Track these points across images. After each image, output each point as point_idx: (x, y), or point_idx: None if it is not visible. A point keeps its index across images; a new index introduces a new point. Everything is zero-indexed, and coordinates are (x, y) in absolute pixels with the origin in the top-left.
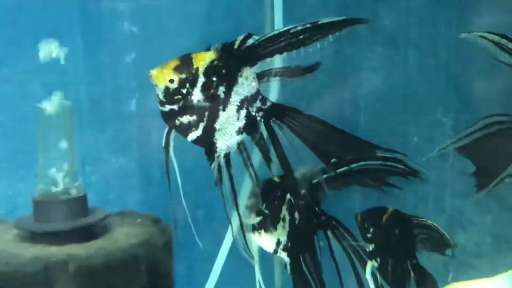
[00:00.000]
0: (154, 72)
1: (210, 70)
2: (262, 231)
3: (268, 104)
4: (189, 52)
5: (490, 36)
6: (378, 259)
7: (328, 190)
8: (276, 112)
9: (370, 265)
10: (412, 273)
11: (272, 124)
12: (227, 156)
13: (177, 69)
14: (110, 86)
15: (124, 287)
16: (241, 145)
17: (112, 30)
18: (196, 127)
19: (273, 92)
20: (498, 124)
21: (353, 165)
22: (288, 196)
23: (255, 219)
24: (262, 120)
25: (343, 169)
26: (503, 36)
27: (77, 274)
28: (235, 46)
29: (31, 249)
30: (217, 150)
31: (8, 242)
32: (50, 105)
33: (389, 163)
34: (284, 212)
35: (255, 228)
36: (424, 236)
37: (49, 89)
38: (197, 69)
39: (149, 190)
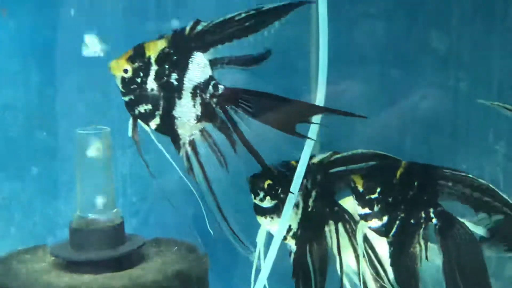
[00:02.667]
0: (111, 64)
1: (162, 58)
2: (275, 216)
3: (220, 89)
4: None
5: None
6: (384, 218)
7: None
8: (229, 97)
9: (362, 226)
10: (434, 220)
11: (228, 109)
12: (192, 143)
13: (130, 59)
14: None
15: None
16: (204, 132)
17: None
18: (153, 116)
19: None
20: None
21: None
22: (304, 182)
23: (270, 203)
24: (218, 106)
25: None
26: None
27: None
28: (186, 33)
29: (65, 279)
30: (181, 138)
31: (43, 270)
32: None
33: None
34: (299, 198)
35: (267, 212)
36: (455, 191)
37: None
38: (149, 57)
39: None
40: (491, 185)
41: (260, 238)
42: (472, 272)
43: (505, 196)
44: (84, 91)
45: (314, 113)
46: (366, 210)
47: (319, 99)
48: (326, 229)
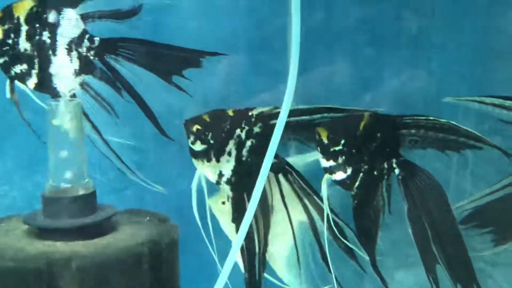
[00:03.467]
0: None
1: (31, 17)
2: (205, 161)
3: (96, 41)
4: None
5: (488, 100)
6: (348, 170)
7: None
8: (107, 47)
9: (326, 179)
10: (397, 171)
11: (107, 59)
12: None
13: None
14: None
15: (127, 285)
16: (84, 85)
17: None
18: (30, 75)
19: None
20: None
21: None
22: (238, 131)
23: (200, 147)
24: (97, 58)
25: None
26: (506, 98)
27: (80, 271)
28: None
29: (37, 245)
30: (61, 94)
31: (17, 237)
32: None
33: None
34: (231, 146)
35: (198, 155)
36: (417, 137)
37: None
38: (18, 18)
39: None
40: (452, 122)
41: (194, 181)
42: (438, 216)
43: (468, 129)
44: None
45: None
46: (331, 163)
47: (291, 77)
48: (268, 179)
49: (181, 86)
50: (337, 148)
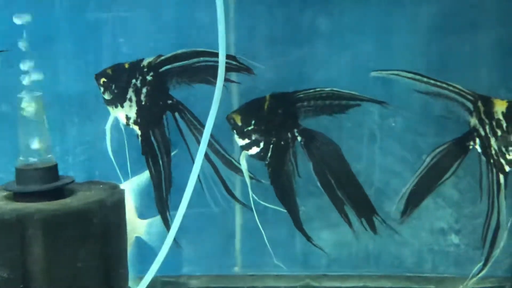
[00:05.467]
0: None
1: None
2: (114, 107)
3: None
4: None
5: (404, 74)
6: (260, 144)
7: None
8: None
9: (244, 155)
10: (299, 138)
11: None
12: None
13: None
14: None
15: (80, 235)
16: None
17: None
18: None
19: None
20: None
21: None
22: (134, 80)
23: (109, 96)
24: None
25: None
26: (417, 73)
27: (41, 221)
28: None
29: (12, 205)
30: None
31: None
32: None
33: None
34: (131, 93)
35: (109, 103)
36: (310, 107)
37: None
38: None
39: None
40: (335, 89)
41: (108, 123)
42: (337, 167)
43: (349, 91)
44: None
45: None
46: (246, 141)
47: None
48: (165, 117)
49: None
50: (249, 128)
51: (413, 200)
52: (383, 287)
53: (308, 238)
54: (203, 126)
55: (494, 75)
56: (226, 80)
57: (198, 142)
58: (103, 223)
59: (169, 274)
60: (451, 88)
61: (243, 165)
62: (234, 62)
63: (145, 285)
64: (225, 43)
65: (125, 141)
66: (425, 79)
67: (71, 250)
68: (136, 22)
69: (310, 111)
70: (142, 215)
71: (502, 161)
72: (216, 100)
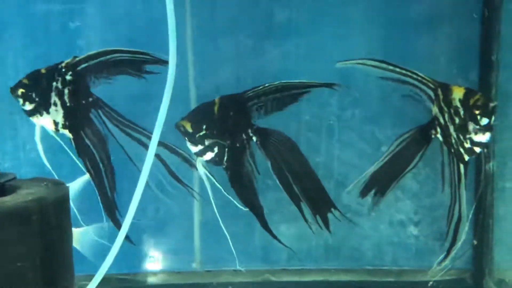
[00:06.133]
0: None
1: None
2: (39, 115)
3: None
4: None
5: (369, 62)
6: (215, 149)
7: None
8: None
9: (200, 161)
10: (254, 138)
11: None
12: None
13: None
14: None
15: (18, 233)
16: None
17: None
18: None
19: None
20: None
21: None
22: (54, 83)
23: (30, 106)
24: None
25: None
26: (381, 61)
27: None
28: None
29: None
30: None
31: None
32: None
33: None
34: (54, 97)
35: (33, 113)
36: (261, 104)
37: None
38: None
39: None
40: (283, 81)
41: (37, 135)
42: (294, 163)
43: (299, 80)
44: None
45: None
46: (200, 147)
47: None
48: (92, 115)
49: None
50: (201, 134)
51: (379, 188)
52: (342, 280)
53: (275, 237)
54: (125, 119)
55: (452, 65)
56: (146, 72)
57: (128, 135)
58: (43, 220)
59: (126, 272)
60: (414, 76)
61: (201, 172)
62: (148, 57)
63: (96, 284)
64: (175, 35)
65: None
66: (390, 67)
67: (10, 249)
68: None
69: (262, 108)
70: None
71: (461, 150)
72: (166, 98)
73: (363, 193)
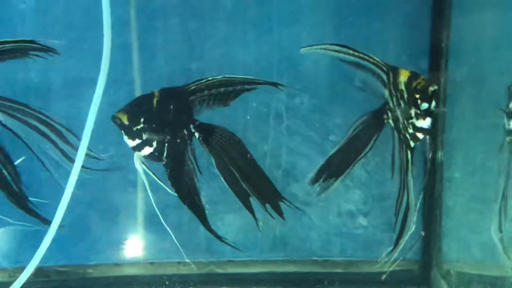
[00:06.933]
0: None
1: None
2: None
3: None
4: None
5: (331, 47)
6: (153, 143)
7: None
8: None
9: (137, 156)
10: (196, 134)
11: None
12: None
13: None
14: None
15: None
16: None
17: None
18: None
19: None
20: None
21: None
22: None
23: None
24: None
25: None
26: (343, 46)
27: None
28: None
29: None
30: None
31: None
32: None
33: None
34: None
35: None
36: (204, 98)
37: None
38: None
39: None
40: (226, 76)
41: None
42: (239, 159)
43: (242, 76)
44: None
45: None
46: (137, 141)
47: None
48: None
49: None
50: (138, 127)
51: (334, 172)
52: (289, 271)
53: (219, 237)
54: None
55: (402, 53)
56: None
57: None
58: None
59: (65, 263)
60: (371, 59)
61: (138, 168)
62: (35, 45)
63: (27, 276)
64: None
65: None
66: (350, 51)
67: None
68: None
69: (204, 102)
70: None
71: (407, 135)
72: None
73: (316, 179)
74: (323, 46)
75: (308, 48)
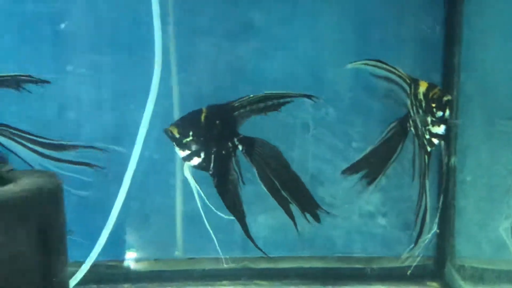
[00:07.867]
0: None
1: None
2: None
3: None
4: None
5: (370, 62)
6: (201, 154)
7: None
8: None
9: (187, 166)
10: (240, 146)
11: None
12: None
13: None
14: None
15: (18, 219)
16: None
17: None
18: None
19: None
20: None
21: None
22: None
23: None
24: None
25: None
26: (378, 60)
27: None
28: None
29: None
30: None
31: None
32: None
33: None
34: None
35: None
36: (246, 113)
37: None
38: None
39: None
40: (266, 91)
41: None
42: (279, 169)
43: (279, 91)
44: None
45: None
46: (187, 152)
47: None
48: None
49: None
50: (188, 139)
51: (368, 172)
52: (315, 267)
53: (256, 245)
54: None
55: (416, 68)
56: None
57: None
58: (39, 210)
59: (113, 259)
60: (397, 72)
61: (187, 176)
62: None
63: (86, 269)
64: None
65: None
66: (384, 65)
67: (11, 234)
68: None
69: (245, 116)
70: None
71: (424, 141)
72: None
73: (349, 171)
74: (363, 62)
75: (353, 64)
